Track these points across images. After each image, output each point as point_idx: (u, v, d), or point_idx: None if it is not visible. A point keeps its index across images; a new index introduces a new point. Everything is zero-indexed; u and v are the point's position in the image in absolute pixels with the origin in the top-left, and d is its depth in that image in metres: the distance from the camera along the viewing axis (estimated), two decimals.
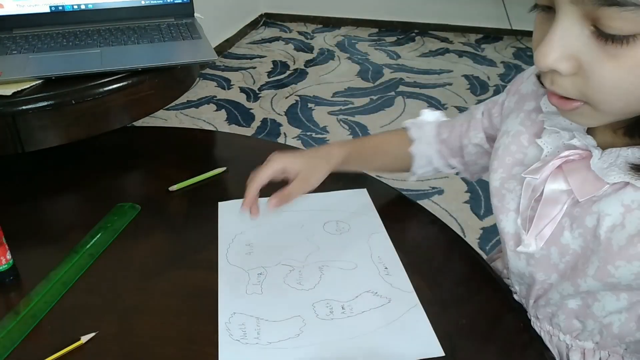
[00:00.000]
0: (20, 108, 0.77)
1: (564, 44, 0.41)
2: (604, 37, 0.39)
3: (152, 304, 0.61)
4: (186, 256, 0.69)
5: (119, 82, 0.83)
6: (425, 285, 0.64)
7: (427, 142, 0.75)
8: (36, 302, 0.61)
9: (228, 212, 0.76)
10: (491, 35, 3.62)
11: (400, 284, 0.63)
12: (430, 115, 0.77)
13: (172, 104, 2.69)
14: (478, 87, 2.88)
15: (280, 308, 0.60)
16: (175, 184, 0.82)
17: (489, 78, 3.00)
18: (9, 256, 0.64)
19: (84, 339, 0.55)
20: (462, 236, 0.73)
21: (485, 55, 3.35)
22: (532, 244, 0.54)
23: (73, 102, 0.80)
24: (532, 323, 0.60)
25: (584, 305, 0.54)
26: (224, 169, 0.86)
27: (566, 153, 0.51)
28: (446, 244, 0.73)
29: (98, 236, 0.71)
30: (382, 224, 0.73)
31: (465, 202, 1.95)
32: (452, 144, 0.74)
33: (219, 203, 0.78)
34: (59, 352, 0.53)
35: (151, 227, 0.74)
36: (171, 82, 0.93)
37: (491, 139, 0.68)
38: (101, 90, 0.82)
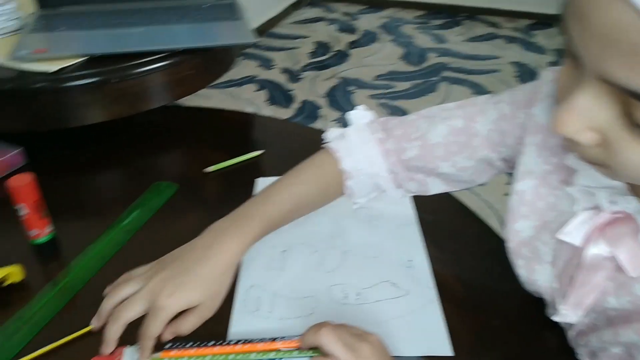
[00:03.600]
0: (64, 85, 0.79)
1: (588, 116, 0.35)
2: (633, 124, 0.33)
3: None
4: None
5: (160, 62, 0.84)
6: (457, 282, 0.63)
7: (368, 171, 0.61)
8: (74, 274, 0.63)
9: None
10: (543, 21, 3.47)
11: (421, 278, 0.62)
12: (361, 117, 0.64)
13: (215, 82, 2.72)
14: (526, 75, 2.78)
15: (296, 287, 0.61)
16: (211, 165, 0.82)
17: (539, 66, 2.90)
18: (50, 228, 0.66)
19: None
20: (500, 230, 0.71)
21: (535, 42, 3.23)
22: (570, 314, 0.49)
23: (115, 80, 0.82)
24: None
25: (628, 355, 0.48)
26: (260, 152, 0.86)
27: (607, 215, 0.45)
28: (482, 240, 0.71)
29: (135, 213, 0.73)
30: (415, 216, 0.72)
31: (507, 194, 1.90)
32: (424, 165, 0.60)
33: (257, 179, 0.78)
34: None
35: (187, 207, 0.75)
36: (211, 62, 0.93)
37: (504, 160, 0.58)
38: (142, 69, 0.83)
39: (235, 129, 0.98)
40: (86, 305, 0.59)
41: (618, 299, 0.46)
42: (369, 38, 3.37)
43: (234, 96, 2.66)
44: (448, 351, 0.53)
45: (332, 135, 0.64)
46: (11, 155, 0.80)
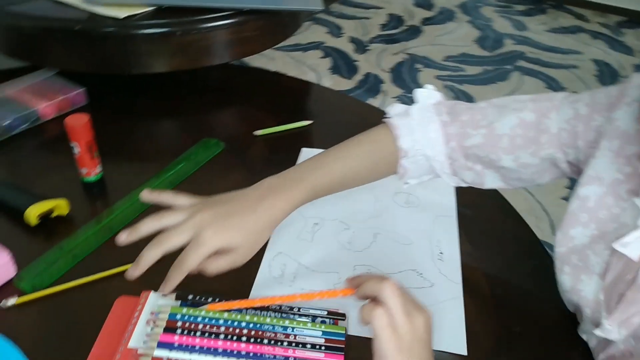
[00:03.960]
0: (131, 32, 0.81)
1: None
2: None
3: None
4: None
5: (225, 20, 0.85)
6: (485, 281, 0.61)
7: (426, 153, 0.59)
8: (116, 215, 0.66)
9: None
10: (636, 20, 3.23)
11: (450, 273, 0.61)
12: (428, 97, 0.61)
13: (281, 44, 2.72)
14: (607, 76, 2.61)
15: (322, 260, 0.61)
16: (261, 129, 0.83)
17: (622, 68, 2.71)
18: (99, 169, 0.69)
19: None
20: (551, 234, 0.68)
21: (623, 42, 3.01)
22: (614, 331, 0.46)
23: (180, 32, 0.83)
24: None
25: None
26: (309, 122, 0.86)
27: None
28: (521, 244, 0.68)
29: (180, 166, 0.75)
30: (456, 209, 0.70)
31: (564, 198, 1.82)
32: (486, 155, 0.57)
33: (302, 149, 0.79)
34: (124, 267, 0.58)
35: (230, 166, 0.77)
36: (275, 25, 0.93)
37: (570, 163, 0.55)
38: (207, 25, 0.84)
39: (290, 96, 0.98)
40: (127, 245, 0.62)
41: None
42: (445, 16, 3.25)
43: (297, 60, 2.66)
44: (462, 350, 0.52)
45: (395, 111, 0.62)
46: (74, 94, 0.84)
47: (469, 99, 2.38)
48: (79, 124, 0.63)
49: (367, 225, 0.67)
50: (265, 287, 0.58)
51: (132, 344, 0.49)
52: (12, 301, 0.53)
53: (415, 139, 0.59)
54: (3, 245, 0.56)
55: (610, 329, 0.47)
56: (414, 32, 3.03)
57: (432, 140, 0.59)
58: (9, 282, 0.56)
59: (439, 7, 3.37)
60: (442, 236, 0.66)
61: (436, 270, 0.61)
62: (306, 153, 0.78)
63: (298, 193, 0.54)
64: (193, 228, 0.48)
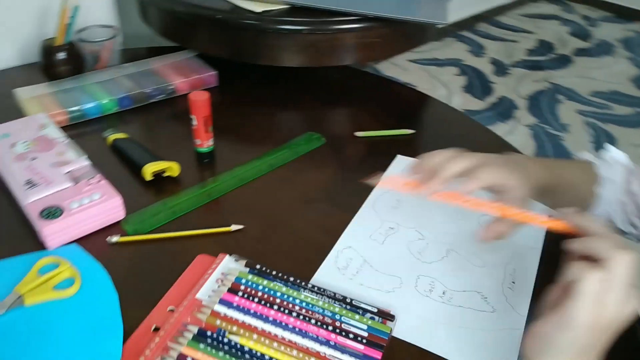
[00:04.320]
0: (265, 26, 0.89)
1: None
2: None
3: (296, 221, 0.69)
4: (341, 195, 0.74)
5: (350, 24, 0.89)
6: None
7: (613, 187, 0.62)
8: (219, 184, 0.74)
9: (400, 166, 0.79)
10: None
11: (516, 304, 0.59)
12: (619, 154, 0.65)
13: (418, 57, 2.72)
14: None
15: (388, 263, 0.63)
16: (363, 131, 0.86)
17: None
18: (211, 142, 0.77)
19: (233, 227, 0.65)
20: None
21: None
22: None
23: (308, 31, 0.89)
24: None
25: None
26: (411, 131, 0.87)
27: None
28: None
29: (282, 152, 0.81)
30: (542, 243, 0.67)
31: None
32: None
33: (398, 155, 0.81)
34: (212, 229, 0.65)
35: (327, 160, 0.81)
36: (399, 35, 0.96)
37: None
38: (334, 27, 0.90)
39: (401, 104, 0.99)
40: (218, 212, 0.70)
41: None
42: (601, 49, 3.01)
43: (431, 75, 2.64)
44: None
45: (587, 155, 0.67)
46: (207, 75, 0.94)
47: (611, 139, 2.19)
48: (199, 100, 0.71)
49: (443, 240, 0.67)
50: (327, 276, 0.61)
51: (199, 295, 0.55)
52: (115, 238, 0.63)
53: (609, 171, 0.63)
54: (118, 191, 0.66)
55: None
56: (562, 61, 2.86)
57: (617, 179, 0.62)
58: (117, 223, 0.65)
59: (597, 38, 3.13)
60: (519, 266, 0.64)
61: (502, 298, 0.59)
62: (400, 160, 0.80)
63: (540, 174, 0.56)
64: (480, 158, 0.52)
